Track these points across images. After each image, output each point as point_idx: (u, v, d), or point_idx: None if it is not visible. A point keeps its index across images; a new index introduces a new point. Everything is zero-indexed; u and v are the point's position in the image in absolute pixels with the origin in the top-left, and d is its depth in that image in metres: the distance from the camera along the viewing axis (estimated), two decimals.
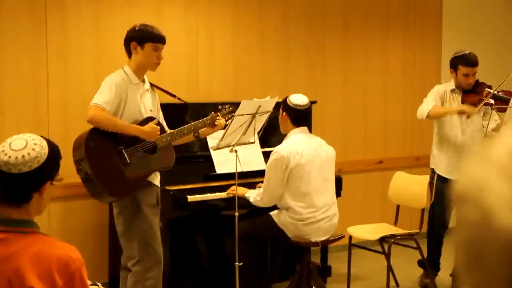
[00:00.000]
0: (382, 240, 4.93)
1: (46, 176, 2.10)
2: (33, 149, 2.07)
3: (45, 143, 2.12)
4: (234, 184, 4.36)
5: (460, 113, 4.88)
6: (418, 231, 4.94)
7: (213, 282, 5.03)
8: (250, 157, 4.93)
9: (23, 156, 2.05)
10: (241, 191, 4.49)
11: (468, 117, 4.89)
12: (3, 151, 2.06)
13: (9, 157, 2.04)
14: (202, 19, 5.42)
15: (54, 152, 2.13)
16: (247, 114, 4.10)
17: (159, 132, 3.90)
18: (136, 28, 3.93)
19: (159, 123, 3.99)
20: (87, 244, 4.85)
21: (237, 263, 4.19)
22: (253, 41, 5.69)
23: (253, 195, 4.50)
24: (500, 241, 0.66)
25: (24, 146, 2.07)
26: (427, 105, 4.96)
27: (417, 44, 6.62)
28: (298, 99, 4.49)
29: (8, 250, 2.00)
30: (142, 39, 3.90)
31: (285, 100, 4.49)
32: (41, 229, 2.15)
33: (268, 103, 4.24)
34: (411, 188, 5.13)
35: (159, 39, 3.95)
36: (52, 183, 2.13)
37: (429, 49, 6.68)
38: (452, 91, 5.03)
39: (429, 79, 6.63)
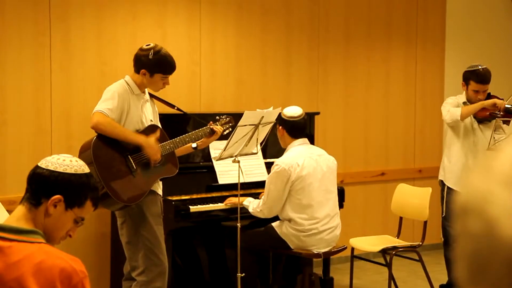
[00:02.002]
0: (384, 252, 4.92)
1: (60, 188, 2.09)
2: (71, 161, 2.13)
3: (87, 170, 2.16)
4: (236, 195, 4.36)
5: (493, 106, 4.84)
6: (420, 243, 4.94)
7: None
8: (253, 168, 4.93)
9: (58, 159, 2.13)
10: (240, 200, 4.48)
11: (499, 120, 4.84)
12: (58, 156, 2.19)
13: (52, 157, 2.15)
14: (205, 30, 5.43)
15: (85, 180, 2.13)
16: (250, 125, 4.10)
17: (159, 154, 3.88)
18: (150, 57, 3.84)
19: (161, 131, 4.01)
20: (88, 254, 4.84)
21: (239, 274, 4.18)
22: (255, 52, 5.70)
23: (253, 205, 4.49)
24: (504, 252, 0.66)
25: (70, 157, 2.16)
26: (454, 109, 4.87)
27: (420, 56, 6.62)
28: (292, 111, 4.48)
29: (11, 259, 2.00)
30: (154, 69, 3.86)
31: (279, 114, 4.46)
32: None
33: (271, 114, 4.25)
34: (414, 200, 5.12)
35: (171, 71, 3.93)
36: (67, 209, 2.11)
37: (431, 61, 6.68)
38: (464, 103, 4.98)
39: (431, 91, 6.63)
